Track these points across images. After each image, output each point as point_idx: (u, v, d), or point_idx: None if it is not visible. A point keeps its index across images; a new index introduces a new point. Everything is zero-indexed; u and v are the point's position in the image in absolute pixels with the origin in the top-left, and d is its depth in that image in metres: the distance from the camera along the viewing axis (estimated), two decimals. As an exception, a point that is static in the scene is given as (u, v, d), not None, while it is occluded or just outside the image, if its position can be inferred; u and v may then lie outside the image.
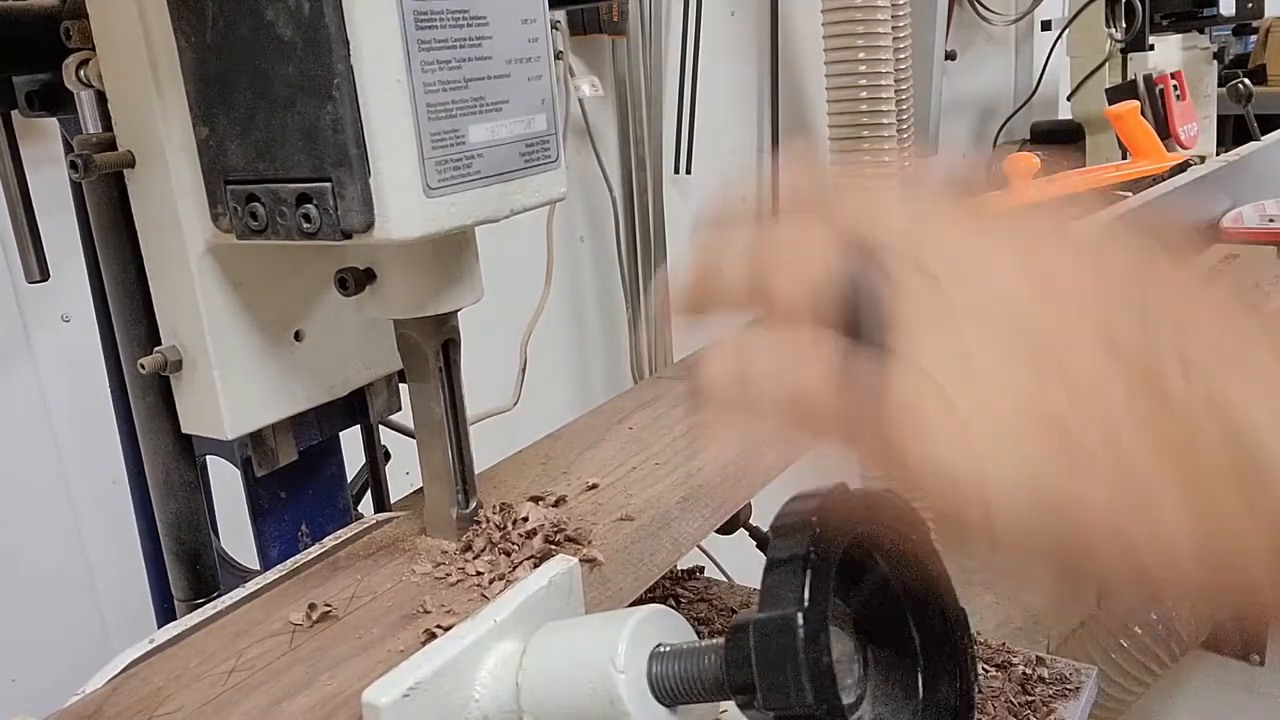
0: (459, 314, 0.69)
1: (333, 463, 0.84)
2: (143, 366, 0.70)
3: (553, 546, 0.65)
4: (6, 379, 1.34)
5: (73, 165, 0.65)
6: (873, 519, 0.51)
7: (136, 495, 0.85)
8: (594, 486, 0.75)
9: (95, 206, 0.71)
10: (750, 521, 1.15)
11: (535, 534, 0.66)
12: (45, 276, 0.80)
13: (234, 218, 0.63)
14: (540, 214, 1.92)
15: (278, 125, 0.58)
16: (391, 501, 0.85)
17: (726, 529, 1.04)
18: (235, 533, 0.84)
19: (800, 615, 0.43)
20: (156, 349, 0.71)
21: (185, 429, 0.74)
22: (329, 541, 0.74)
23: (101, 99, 0.68)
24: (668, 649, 0.51)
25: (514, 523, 0.68)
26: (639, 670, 0.50)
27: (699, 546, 0.80)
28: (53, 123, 0.76)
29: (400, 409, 0.86)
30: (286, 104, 0.58)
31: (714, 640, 0.50)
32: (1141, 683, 1.69)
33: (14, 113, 0.75)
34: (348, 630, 0.61)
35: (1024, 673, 1.10)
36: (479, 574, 0.64)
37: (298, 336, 0.75)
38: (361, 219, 0.57)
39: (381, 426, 0.88)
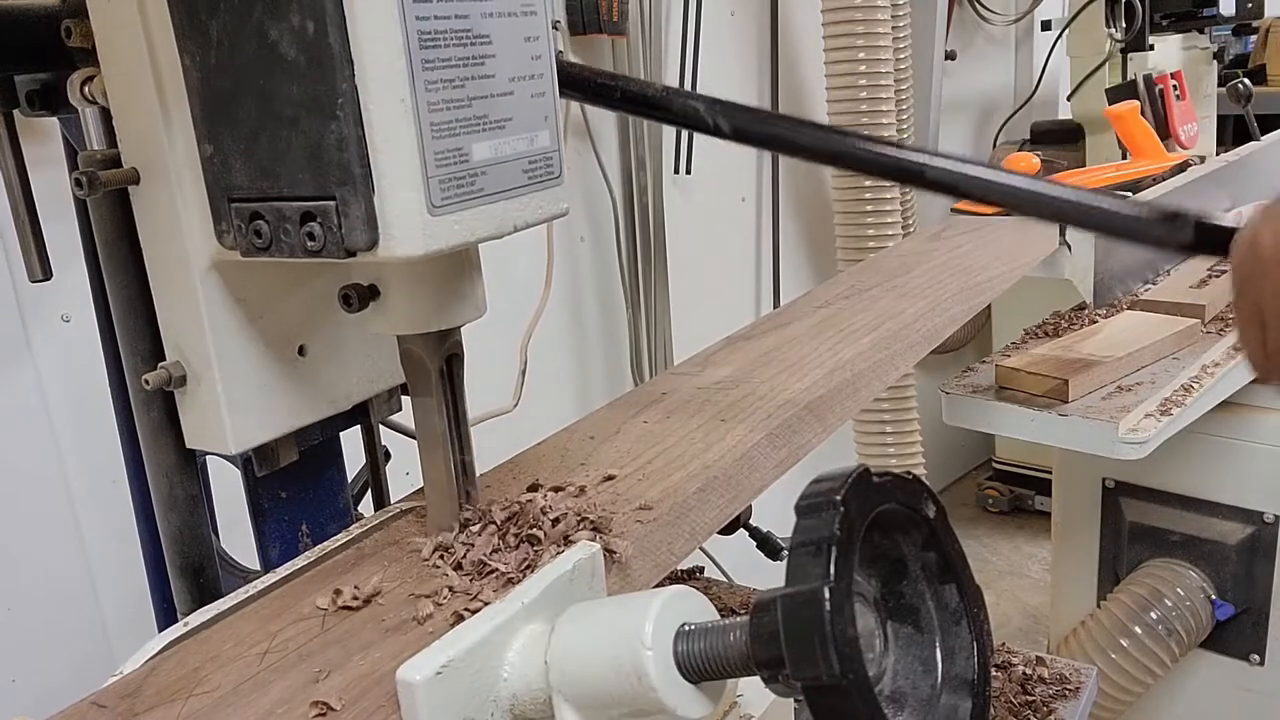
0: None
1: (333, 463, 0.84)
2: (147, 382, 0.70)
3: (575, 534, 0.66)
4: (6, 379, 1.34)
5: (77, 183, 0.66)
6: (892, 500, 0.52)
7: (137, 496, 0.85)
8: (611, 478, 0.76)
9: (100, 223, 0.71)
10: (750, 522, 1.16)
11: (558, 522, 0.67)
12: (48, 276, 0.80)
13: (238, 235, 0.63)
14: (540, 214, 1.92)
15: (282, 144, 0.59)
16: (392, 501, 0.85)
17: (727, 529, 1.04)
18: (236, 532, 0.84)
19: (826, 589, 0.45)
20: (160, 364, 0.71)
21: (189, 444, 0.74)
22: (355, 529, 0.74)
23: (106, 116, 0.69)
24: (693, 627, 0.53)
25: (536, 511, 0.68)
26: (666, 648, 0.52)
27: (700, 547, 0.80)
28: (53, 123, 0.76)
29: (401, 409, 0.86)
30: (291, 123, 0.58)
31: (737, 618, 0.51)
32: (1141, 683, 1.69)
33: (15, 112, 0.75)
34: (377, 613, 0.62)
35: (1024, 673, 1.10)
36: (504, 560, 0.65)
37: (301, 351, 0.75)
38: (365, 237, 0.57)
39: (382, 426, 0.88)
